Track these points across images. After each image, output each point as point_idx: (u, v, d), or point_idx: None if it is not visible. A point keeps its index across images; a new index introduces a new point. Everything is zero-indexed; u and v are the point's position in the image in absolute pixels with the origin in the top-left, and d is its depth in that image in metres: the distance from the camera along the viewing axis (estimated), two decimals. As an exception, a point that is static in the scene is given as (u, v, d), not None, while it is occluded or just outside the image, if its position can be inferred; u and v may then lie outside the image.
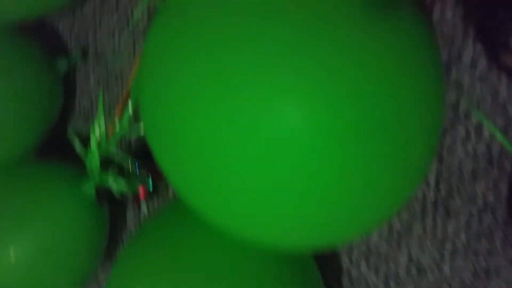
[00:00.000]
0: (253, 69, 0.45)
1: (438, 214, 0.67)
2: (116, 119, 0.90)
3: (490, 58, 0.59)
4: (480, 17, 0.50)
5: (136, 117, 0.85)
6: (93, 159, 0.85)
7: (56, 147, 1.04)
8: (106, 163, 0.87)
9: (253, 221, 0.54)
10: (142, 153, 0.94)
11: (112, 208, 0.95)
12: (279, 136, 0.45)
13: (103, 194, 0.86)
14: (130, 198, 0.96)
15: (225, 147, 0.47)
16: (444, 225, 0.67)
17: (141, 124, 0.84)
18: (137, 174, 0.89)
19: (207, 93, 0.47)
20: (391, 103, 0.46)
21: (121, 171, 0.88)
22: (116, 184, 0.85)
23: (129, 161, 0.88)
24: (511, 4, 0.47)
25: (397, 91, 0.46)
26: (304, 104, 0.44)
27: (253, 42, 0.45)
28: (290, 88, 0.44)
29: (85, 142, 0.87)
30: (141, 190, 0.90)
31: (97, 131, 0.84)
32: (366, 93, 0.45)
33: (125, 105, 0.95)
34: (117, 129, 0.88)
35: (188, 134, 0.50)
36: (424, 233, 0.68)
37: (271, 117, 0.44)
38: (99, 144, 0.84)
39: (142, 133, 0.86)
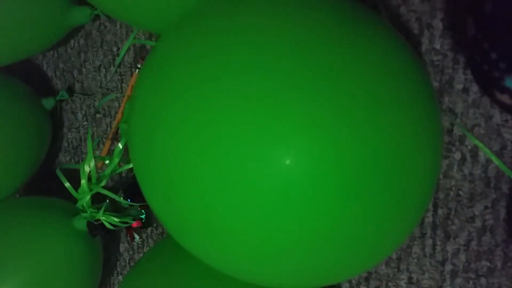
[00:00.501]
0: (250, 122, 0.46)
1: (437, 236, 0.68)
2: (106, 157, 0.90)
3: (484, 94, 0.61)
4: (474, 57, 0.52)
5: (126, 151, 0.85)
6: (84, 198, 0.85)
7: (46, 181, 1.03)
8: (98, 197, 0.86)
9: (249, 266, 0.54)
10: (134, 184, 0.93)
11: (106, 239, 0.95)
12: (275, 187, 0.45)
13: (96, 227, 0.86)
14: (123, 229, 0.96)
15: (220, 195, 0.47)
16: (443, 247, 0.68)
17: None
18: (129, 206, 0.89)
19: (201, 140, 0.47)
20: (391, 153, 0.47)
21: (113, 204, 0.88)
22: (107, 219, 0.85)
23: (120, 195, 0.88)
24: (502, 45, 0.49)
25: (397, 142, 0.48)
26: (301, 156, 0.45)
27: (254, 100, 0.46)
28: (288, 139, 0.45)
29: (75, 177, 0.87)
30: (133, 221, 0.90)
31: (87, 169, 0.84)
32: (367, 143, 0.46)
33: (113, 141, 0.95)
34: (107, 166, 0.88)
35: (182, 182, 0.50)
36: (423, 254, 0.70)
37: (267, 167, 0.45)
38: (89, 182, 0.84)
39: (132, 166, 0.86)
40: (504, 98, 0.52)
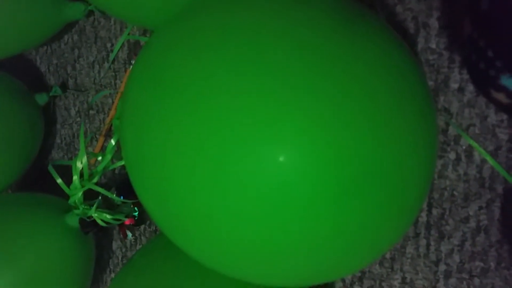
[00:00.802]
0: (243, 120, 0.45)
1: (431, 236, 0.68)
2: (99, 153, 0.89)
3: (480, 93, 0.60)
4: (470, 55, 0.52)
5: (119, 148, 0.85)
6: (76, 194, 0.84)
7: (38, 177, 1.03)
8: (91, 193, 0.86)
9: (242, 263, 0.53)
10: (126, 181, 0.93)
11: (98, 236, 0.94)
12: (271, 185, 0.45)
13: (88, 223, 0.86)
14: (116, 226, 0.95)
15: (215, 192, 0.47)
16: (437, 247, 0.68)
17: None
18: (122, 204, 0.88)
19: (195, 136, 0.46)
20: (387, 152, 0.47)
21: (106, 201, 0.87)
22: (99, 216, 0.84)
23: (112, 192, 0.87)
24: (498, 44, 0.49)
25: (393, 141, 0.47)
26: (298, 154, 0.44)
27: (251, 98, 0.45)
28: (285, 137, 0.44)
29: (68, 174, 0.86)
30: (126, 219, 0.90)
31: (79, 166, 0.84)
32: (362, 142, 0.45)
33: (106, 138, 0.94)
34: (100, 162, 0.87)
35: (174, 180, 0.49)
36: (417, 255, 0.70)
37: (264, 165, 0.44)
38: (81, 179, 0.84)
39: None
40: (500, 96, 0.51)
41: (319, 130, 0.44)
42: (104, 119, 0.95)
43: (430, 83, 0.65)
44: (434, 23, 0.64)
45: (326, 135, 0.44)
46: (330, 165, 0.45)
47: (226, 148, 0.45)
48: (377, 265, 0.73)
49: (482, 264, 0.66)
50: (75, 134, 1.01)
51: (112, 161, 0.87)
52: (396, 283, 0.72)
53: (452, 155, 0.65)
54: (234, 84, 0.46)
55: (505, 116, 0.62)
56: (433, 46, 0.65)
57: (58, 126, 1.04)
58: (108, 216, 0.84)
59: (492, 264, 0.65)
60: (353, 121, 0.45)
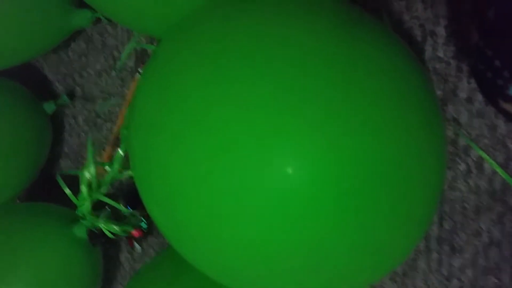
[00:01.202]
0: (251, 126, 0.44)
1: (443, 250, 0.66)
2: (106, 163, 0.88)
3: (488, 102, 0.59)
4: (477, 64, 0.51)
5: (127, 158, 0.84)
6: (84, 205, 0.84)
7: (46, 186, 1.02)
8: (99, 204, 0.85)
9: (250, 277, 0.52)
10: (135, 191, 0.92)
11: (105, 247, 0.94)
12: (279, 196, 0.44)
13: (96, 234, 0.85)
14: (124, 238, 0.95)
15: (223, 204, 0.46)
16: (449, 261, 0.66)
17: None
18: (130, 214, 0.88)
19: (203, 147, 0.46)
20: (394, 163, 0.45)
21: (113, 212, 0.87)
22: (107, 227, 0.84)
23: (120, 203, 0.87)
24: (505, 54, 0.48)
25: (400, 152, 0.46)
26: (303, 161, 0.43)
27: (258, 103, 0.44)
28: (291, 143, 0.43)
29: (76, 184, 0.86)
30: (134, 230, 0.89)
31: (87, 176, 0.83)
32: (369, 153, 0.44)
33: (114, 147, 0.94)
34: (108, 173, 0.87)
35: (182, 191, 0.48)
36: (429, 269, 0.68)
37: (268, 172, 0.43)
38: (89, 189, 0.83)
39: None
40: (508, 106, 0.50)
41: (325, 140, 0.43)
42: (111, 127, 0.95)
43: (438, 92, 0.63)
44: (441, 31, 0.63)
45: (332, 145, 0.43)
46: (336, 176, 0.44)
47: (235, 158, 0.44)
48: (389, 280, 0.71)
49: (495, 280, 0.64)
50: (83, 143, 1.01)
51: (120, 171, 0.86)
52: (407, 298, 0.70)
53: (463, 167, 0.64)
54: (243, 93, 0.45)
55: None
56: (441, 54, 0.63)
57: (66, 134, 1.03)
58: (116, 227, 0.84)
59: (506, 279, 0.63)
60: (359, 131, 0.44)
